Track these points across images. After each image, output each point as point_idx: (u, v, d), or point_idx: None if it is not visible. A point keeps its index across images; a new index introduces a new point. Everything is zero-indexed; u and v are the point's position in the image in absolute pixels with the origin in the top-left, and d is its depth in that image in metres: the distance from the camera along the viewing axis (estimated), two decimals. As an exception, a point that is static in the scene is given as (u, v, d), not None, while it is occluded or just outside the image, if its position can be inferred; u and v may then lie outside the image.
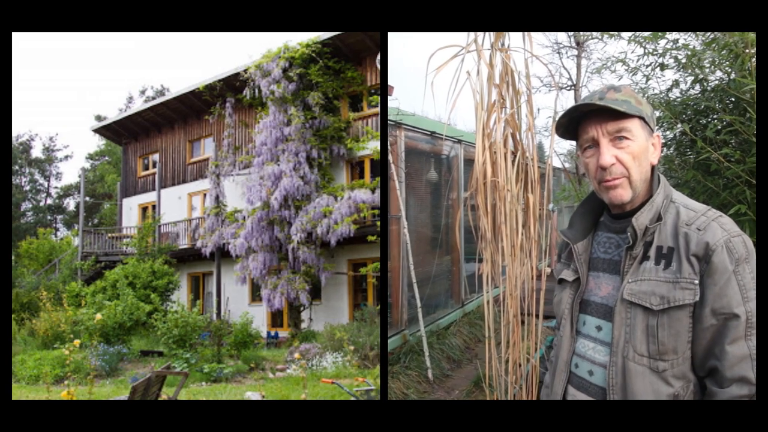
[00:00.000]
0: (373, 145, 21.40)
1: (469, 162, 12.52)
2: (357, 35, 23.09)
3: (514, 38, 5.91)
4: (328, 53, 23.86)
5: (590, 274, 3.23)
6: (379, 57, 22.71)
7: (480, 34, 5.82)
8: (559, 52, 34.10)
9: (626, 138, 2.92)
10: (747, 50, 5.73)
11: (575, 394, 3.19)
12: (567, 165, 31.27)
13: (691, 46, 6.47)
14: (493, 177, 5.87)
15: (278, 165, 23.14)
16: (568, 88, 34.03)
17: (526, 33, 5.78)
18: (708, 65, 6.36)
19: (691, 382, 2.83)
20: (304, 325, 23.63)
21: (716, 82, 6.55)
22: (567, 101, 35.89)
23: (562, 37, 33.81)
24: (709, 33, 6.26)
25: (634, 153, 2.93)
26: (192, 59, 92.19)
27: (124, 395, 10.88)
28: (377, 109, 23.11)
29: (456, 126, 17.61)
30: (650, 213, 2.95)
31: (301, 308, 23.40)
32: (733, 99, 6.28)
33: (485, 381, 6.69)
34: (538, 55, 5.92)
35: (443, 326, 12.84)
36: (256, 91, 24.79)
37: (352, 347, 15.90)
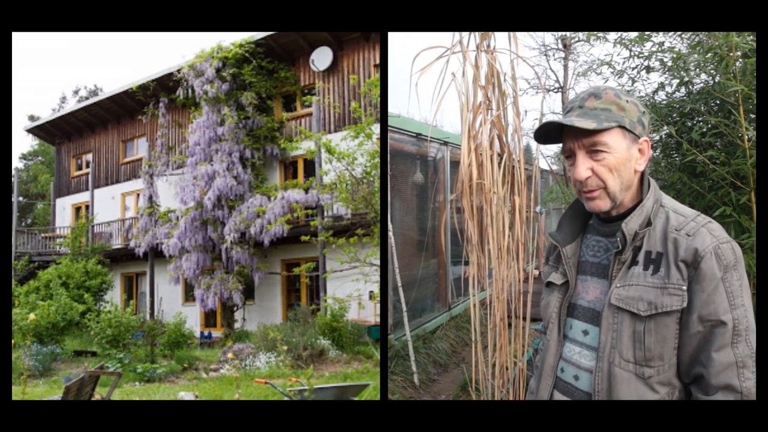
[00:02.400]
0: (306, 145, 21.33)
1: (456, 164, 12.45)
2: (290, 35, 23.62)
3: (499, 40, 5.75)
4: (262, 53, 24.34)
5: (578, 277, 3.20)
6: (312, 57, 22.83)
7: (465, 35, 5.96)
8: (546, 54, 34.70)
9: (602, 151, 2.89)
10: (731, 53, 5.90)
11: (561, 399, 3.18)
12: (555, 167, 31.34)
13: (676, 49, 6.79)
14: (479, 179, 5.99)
15: (211, 165, 23.57)
16: (555, 90, 34.29)
17: (511, 34, 5.91)
18: (693, 68, 6.64)
19: (677, 389, 2.83)
20: (237, 325, 24.05)
21: (701, 84, 6.82)
22: (554, 103, 36.68)
23: (549, 39, 34.31)
24: (694, 36, 6.53)
25: (611, 165, 2.90)
26: (126, 59, 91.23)
27: (57, 395, 10.89)
28: (311, 109, 23.70)
29: (442, 128, 17.57)
30: (640, 218, 2.93)
31: (235, 308, 23.75)
32: (718, 102, 6.53)
33: (471, 385, 6.85)
34: (524, 56, 6.12)
35: (430, 330, 12.93)
36: (190, 91, 25.12)
37: (285, 347, 16.10)
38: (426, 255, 13.85)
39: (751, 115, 5.96)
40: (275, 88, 25.07)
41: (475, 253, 6.10)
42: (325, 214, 21.66)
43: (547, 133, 3.11)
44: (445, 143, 14.56)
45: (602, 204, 2.94)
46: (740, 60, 5.94)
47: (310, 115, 24.21)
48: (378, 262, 18.04)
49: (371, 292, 18.92)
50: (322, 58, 23.91)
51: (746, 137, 5.81)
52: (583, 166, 2.90)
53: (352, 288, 18.75)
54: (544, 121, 3.08)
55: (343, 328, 18.37)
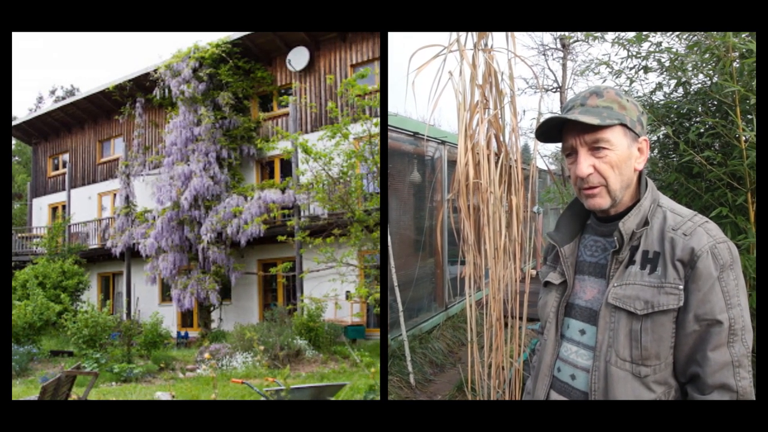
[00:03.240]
0: (282, 145, 21.84)
1: (453, 163, 12.33)
2: (267, 35, 23.92)
3: (497, 39, 5.68)
4: (238, 53, 24.66)
5: (576, 277, 3.23)
6: (288, 57, 23.10)
7: (462, 33, 5.99)
8: (544, 54, 34.82)
9: (604, 148, 2.93)
10: (728, 54, 5.92)
11: (557, 399, 3.21)
12: (552, 167, 31.41)
13: (674, 50, 6.82)
14: (475, 179, 6.05)
15: (188, 165, 23.81)
16: (554, 90, 34.36)
17: (509, 33, 5.98)
18: (690, 68, 6.64)
19: (673, 388, 2.87)
20: (214, 325, 24.44)
21: (699, 85, 6.87)
22: (553, 103, 37.01)
23: (547, 38, 34.52)
24: (691, 36, 6.64)
25: (613, 162, 2.93)
26: (102, 59, 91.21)
27: (34, 395, 10.82)
28: (287, 109, 24.03)
29: (440, 127, 17.64)
30: (637, 217, 2.97)
31: (211, 308, 24.05)
32: (715, 102, 6.58)
33: (467, 386, 7.01)
34: (522, 56, 6.20)
35: (426, 330, 13.04)
36: (166, 91, 25.34)
37: (262, 347, 16.10)
38: (423, 255, 13.99)
39: (747, 116, 5.99)
40: (252, 88, 25.34)
41: (472, 252, 6.14)
42: (302, 214, 21.90)
43: (548, 130, 3.12)
44: (443, 142, 14.65)
45: (602, 202, 2.97)
46: (737, 61, 5.94)
47: (286, 115, 24.50)
48: (355, 261, 18.39)
49: (348, 292, 19.05)
50: (298, 58, 24.19)
51: (743, 138, 5.82)
52: (585, 163, 2.92)
53: (328, 288, 18.95)
54: (545, 118, 3.07)
55: (320, 328, 18.58)
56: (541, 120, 3.10)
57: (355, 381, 13.04)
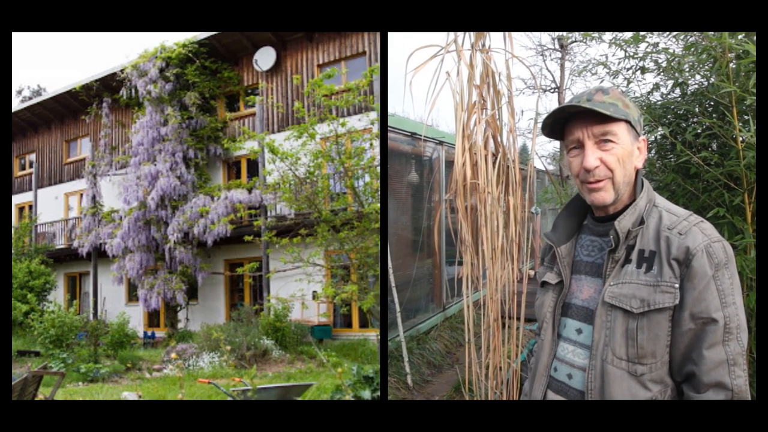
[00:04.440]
0: (249, 145, 21.26)
1: (451, 164, 12.30)
2: (233, 35, 24.11)
3: (495, 39, 5.65)
4: (205, 53, 24.78)
5: (573, 276, 3.28)
6: (255, 57, 23.15)
7: (460, 33, 6.06)
8: (542, 54, 35.23)
9: (611, 141, 2.99)
10: (725, 55, 5.91)
11: (554, 398, 3.25)
12: (550, 167, 31.53)
13: (671, 50, 6.83)
14: (473, 179, 6.11)
15: (155, 165, 23.95)
16: (552, 90, 34.55)
17: (507, 34, 6.04)
18: (687, 69, 6.68)
19: (669, 387, 2.91)
20: (180, 325, 24.53)
21: (695, 86, 6.89)
22: (550, 103, 37.46)
23: (545, 39, 34.53)
24: (688, 37, 6.63)
25: (619, 156, 2.99)
26: (69, 59, 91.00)
27: None
28: (254, 109, 24.30)
29: (438, 127, 17.50)
30: (633, 216, 3.02)
31: (178, 308, 24.15)
32: (712, 103, 6.60)
33: (465, 386, 7.09)
34: (519, 56, 6.28)
35: (424, 331, 13.14)
36: (133, 91, 25.39)
37: (228, 347, 16.37)
38: (421, 255, 14.12)
39: (744, 116, 6.06)
40: (218, 88, 25.59)
41: (469, 253, 6.20)
42: (269, 214, 22.20)
43: (553, 123, 3.18)
44: (441, 142, 14.79)
45: (606, 196, 3.01)
46: (734, 62, 5.98)
47: (253, 115, 24.81)
48: (322, 262, 18.23)
49: (314, 292, 18.99)
50: (265, 58, 24.42)
51: (740, 139, 5.84)
52: (593, 155, 2.97)
53: (295, 288, 18.99)
54: (556, 108, 3.12)
55: (287, 328, 18.86)
56: (551, 110, 3.13)
57: (321, 381, 13.20)
